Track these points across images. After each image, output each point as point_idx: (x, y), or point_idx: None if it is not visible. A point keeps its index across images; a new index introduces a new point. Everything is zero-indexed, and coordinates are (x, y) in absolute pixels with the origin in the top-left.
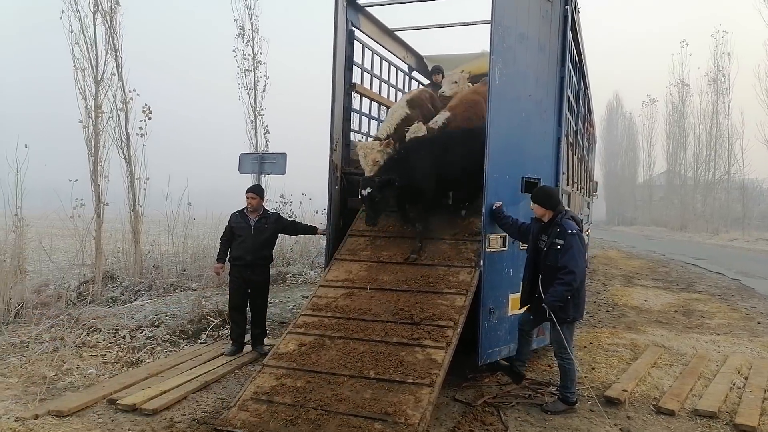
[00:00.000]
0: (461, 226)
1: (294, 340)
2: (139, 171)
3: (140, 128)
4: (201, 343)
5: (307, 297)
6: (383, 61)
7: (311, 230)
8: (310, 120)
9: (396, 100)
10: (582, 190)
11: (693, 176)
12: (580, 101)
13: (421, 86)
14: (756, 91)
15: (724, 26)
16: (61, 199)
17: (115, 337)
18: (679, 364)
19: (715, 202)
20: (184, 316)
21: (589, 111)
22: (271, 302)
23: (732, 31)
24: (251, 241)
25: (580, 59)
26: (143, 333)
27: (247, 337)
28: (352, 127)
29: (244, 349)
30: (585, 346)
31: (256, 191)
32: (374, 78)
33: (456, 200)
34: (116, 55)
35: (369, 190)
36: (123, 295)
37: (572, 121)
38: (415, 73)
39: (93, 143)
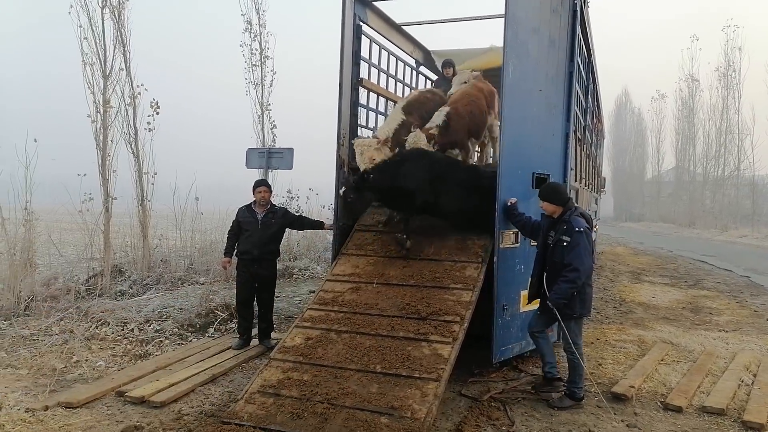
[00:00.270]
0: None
1: (301, 334)
2: (147, 166)
3: (148, 123)
4: (208, 336)
5: (313, 291)
6: (390, 56)
7: (318, 225)
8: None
9: (403, 95)
10: (590, 186)
11: (702, 172)
12: (589, 96)
13: (428, 81)
14: (767, 86)
15: (736, 21)
16: (70, 193)
17: (123, 330)
18: (687, 361)
19: (725, 198)
20: (191, 309)
21: (598, 106)
22: (277, 297)
23: (743, 25)
24: (258, 235)
25: (589, 54)
26: (151, 326)
27: (255, 331)
28: (359, 123)
29: (251, 343)
30: (592, 342)
31: (269, 185)
32: (381, 73)
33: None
34: (124, 50)
35: (343, 189)
36: (131, 288)
37: (580, 117)
38: (422, 68)
39: (101, 138)
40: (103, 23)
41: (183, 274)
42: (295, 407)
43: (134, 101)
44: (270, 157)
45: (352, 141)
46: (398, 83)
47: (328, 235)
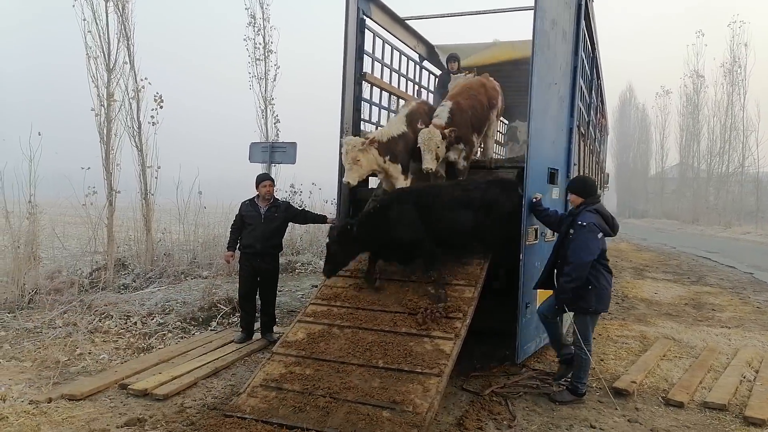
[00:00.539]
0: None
1: (303, 329)
2: (150, 159)
3: (152, 117)
4: (211, 330)
5: (316, 286)
6: (394, 50)
7: (321, 219)
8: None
9: (407, 90)
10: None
11: (706, 169)
12: (593, 91)
13: (431, 76)
14: None
15: (742, 16)
16: (73, 186)
17: (126, 323)
18: (689, 357)
19: (728, 195)
20: (194, 303)
21: (602, 102)
22: (280, 291)
23: (750, 21)
24: (261, 229)
25: (594, 48)
26: (154, 320)
27: (257, 325)
28: (362, 117)
29: (253, 337)
30: (594, 338)
31: (272, 179)
32: (385, 67)
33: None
34: (128, 44)
35: (327, 240)
36: (134, 282)
37: (584, 112)
38: (426, 63)
39: (105, 131)
40: (107, 16)
41: (186, 267)
42: (297, 401)
43: (138, 95)
44: (273, 152)
45: (342, 138)
46: (402, 78)
47: None
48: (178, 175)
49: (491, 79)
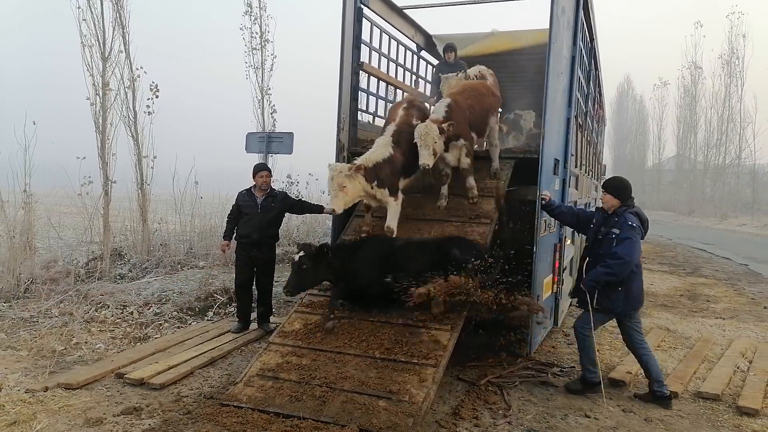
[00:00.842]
0: (467, 209)
1: (300, 319)
2: (146, 149)
3: (147, 106)
4: (208, 320)
5: None
6: (392, 40)
7: (317, 209)
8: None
9: (405, 81)
10: (590, 173)
11: (703, 161)
12: (591, 82)
13: (429, 66)
14: None
15: (740, 7)
16: (69, 176)
17: (123, 313)
18: (684, 348)
19: (725, 187)
20: (191, 293)
21: (600, 93)
22: (276, 281)
23: (748, 12)
24: (258, 219)
25: (592, 39)
26: (151, 309)
27: (254, 315)
28: (359, 107)
29: (250, 327)
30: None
31: (269, 169)
32: (383, 57)
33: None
34: (123, 32)
35: (300, 254)
36: (131, 272)
37: (582, 103)
38: (423, 53)
39: (101, 121)
40: (101, 4)
41: (182, 258)
42: (293, 390)
43: (133, 84)
44: (270, 142)
45: (329, 164)
46: (399, 68)
47: (328, 220)
48: (174, 165)
49: (491, 83)
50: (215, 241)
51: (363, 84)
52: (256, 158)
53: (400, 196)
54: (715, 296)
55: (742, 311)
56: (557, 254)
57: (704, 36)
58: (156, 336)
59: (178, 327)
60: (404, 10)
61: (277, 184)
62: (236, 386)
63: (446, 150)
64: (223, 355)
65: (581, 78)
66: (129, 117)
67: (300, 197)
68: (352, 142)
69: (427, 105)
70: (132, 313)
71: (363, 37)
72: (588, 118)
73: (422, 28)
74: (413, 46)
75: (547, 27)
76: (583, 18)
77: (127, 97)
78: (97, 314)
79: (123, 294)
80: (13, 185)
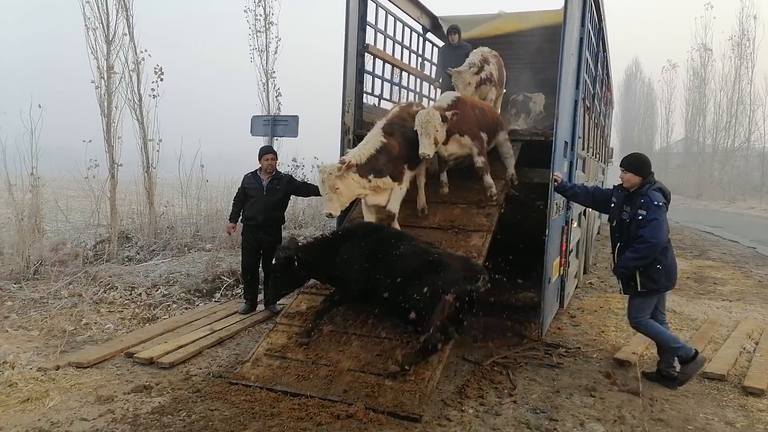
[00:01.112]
0: (474, 191)
1: (306, 301)
2: (151, 132)
3: (152, 89)
4: (215, 301)
5: None
6: (397, 21)
7: None
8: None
9: (410, 63)
10: (597, 156)
11: (711, 144)
12: (599, 64)
13: (434, 48)
14: None
15: None
16: (75, 160)
17: (131, 294)
18: (690, 329)
19: (734, 170)
20: (198, 275)
21: (607, 75)
22: None
23: None
24: (263, 201)
25: (600, 20)
26: (159, 291)
27: (260, 296)
28: (365, 90)
29: (257, 308)
30: (595, 310)
31: (275, 152)
32: (388, 39)
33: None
34: (127, 15)
35: (273, 261)
36: (138, 254)
37: (590, 85)
38: (429, 35)
39: (106, 104)
40: None
41: (189, 240)
42: (300, 369)
43: (138, 67)
44: (275, 125)
45: (318, 165)
46: (405, 50)
47: None
48: (179, 148)
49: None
50: (221, 225)
51: (368, 67)
52: (261, 140)
53: (406, 181)
54: (722, 279)
55: (749, 293)
56: (564, 236)
57: (714, 17)
58: (164, 317)
59: (186, 308)
60: None
61: (283, 167)
62: (244, 365)
63: (445, 143)
64: (231, 336)
65: (589, 59)
66: (134, 100)
67: (305, 180)
68: (357, 125)
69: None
70: (140, 294)
71: (368, 19)
72: (596, 101)
73: (428, 9)
74: (419, 28)
75: (554, 8)
76: None
77: (131, 80)
78: (105, 295)
79: (131, 276)
80: (21, 169)
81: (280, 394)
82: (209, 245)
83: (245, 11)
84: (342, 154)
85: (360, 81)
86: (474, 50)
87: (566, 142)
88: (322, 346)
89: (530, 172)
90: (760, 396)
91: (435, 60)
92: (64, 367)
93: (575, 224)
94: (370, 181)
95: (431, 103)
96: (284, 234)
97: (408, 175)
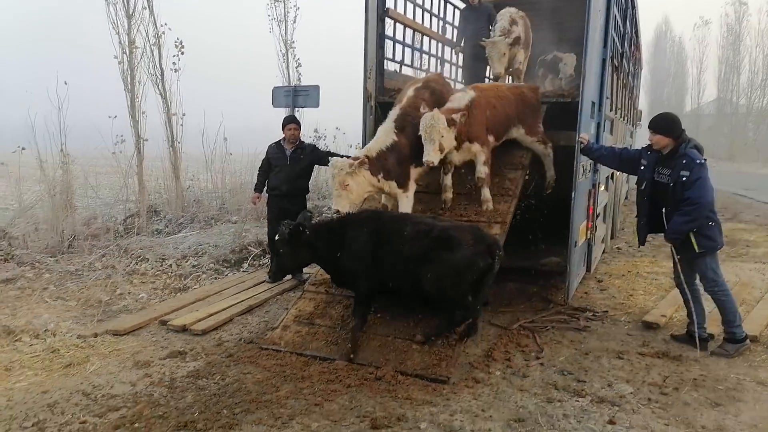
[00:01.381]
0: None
1: None
2: (174, 107)
3: (174, 63)
4: (243, 271)
5: None
6: None
7: None
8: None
9: (432, 27)
10: (625, 118)
11: (746, 103)
12: (627, 22)
13: (456, 11)
14: None
15: None
16: (102, 136)
17: (162, 265)
18: None
19: None
20: (226, 246)
21: (636, 33)
22: None
23: None
24: (287, 171)
25: None
26: (188, 262)
27: None
28: (386, 55)
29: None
30: (623, 275)
31: (298, 122)
32: (409, 2)
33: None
34: None
35: (276, 237)
36: (167, 227)
37: (618, 43)
38: None
39: (129, 79)
40: None
41: (215, 213)
42: (328, 335)
43: (159, 41)
44: (296, 96)
45: (330, 161)
46: (426, 14)
47: None
48: (203, 122)
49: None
50: (246, 197)
51: (389, 31)
52: (282, 111)
53: (412, 187)
54: (755, 241)
55: None
56: (591, 200)
57: None
58: (195, 286)
59: (215, 278)
60: None
61: (305, 138)
62: (274, 331)
63: (457, 148)
64: (260, 304)
65: (617, 16)
66: (156, 75)
67: (329, 150)
68: (379, 91)
69: (449, 87)
70: (171, 265)
71: None
72: (624, 60)
73: None
74: None
75: None
76: None
77: (153, 54)
78: (138, 267)
79: (161, 248)
80: (50, 147)
81: (309, 358)
82: (235, 217)
83: None
84: (365, 122)
85: (381, 47)
86: (501, 12)
87: (593, 103)
88: (349, 312)
89: (556, 134)
90: None
91: (456, 23)
92: (102, 334)
93: (602, 188)
94: (378, 180)
95: (453, 69)
96: (309, 206)
97: (415, 175)
